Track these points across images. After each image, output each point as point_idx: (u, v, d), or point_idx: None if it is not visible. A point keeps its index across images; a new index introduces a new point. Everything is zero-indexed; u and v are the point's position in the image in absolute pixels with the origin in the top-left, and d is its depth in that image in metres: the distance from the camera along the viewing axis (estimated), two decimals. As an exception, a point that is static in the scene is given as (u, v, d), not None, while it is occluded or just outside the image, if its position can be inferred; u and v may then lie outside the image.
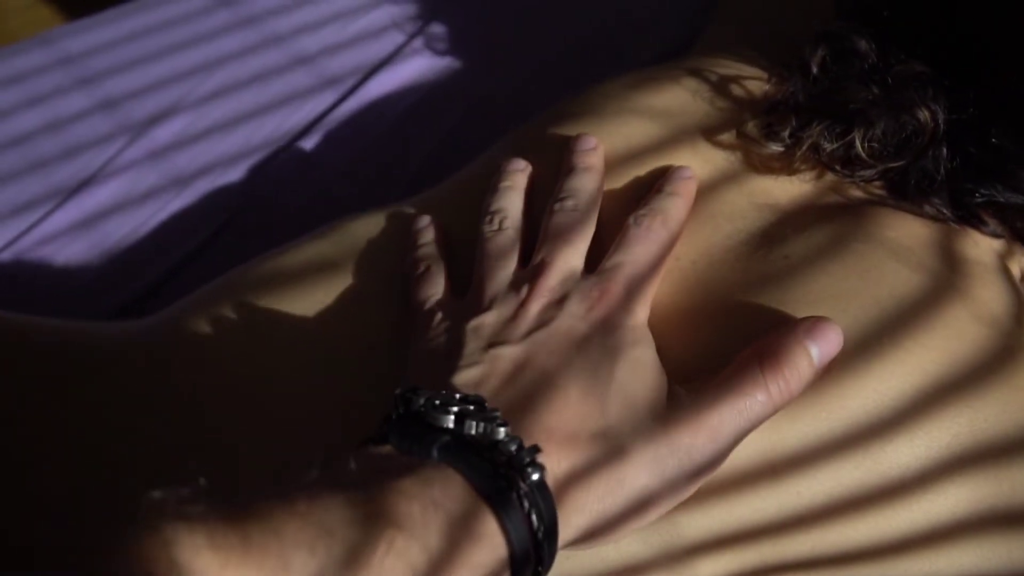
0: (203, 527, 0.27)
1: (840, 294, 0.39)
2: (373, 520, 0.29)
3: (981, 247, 0.43)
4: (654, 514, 0.35)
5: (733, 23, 0.57)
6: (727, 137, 0.46)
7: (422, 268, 0.44)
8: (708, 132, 0.46)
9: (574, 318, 0.38)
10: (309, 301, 0.44)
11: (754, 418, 0.35)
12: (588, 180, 0.43)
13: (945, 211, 0.43)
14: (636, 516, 0.34)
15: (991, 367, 0.39)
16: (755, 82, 0.48)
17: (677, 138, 0.46)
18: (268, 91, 0.69)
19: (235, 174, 0.66)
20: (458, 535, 0.30)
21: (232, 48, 0.72)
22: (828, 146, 0.43)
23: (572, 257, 0.41)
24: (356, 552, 0.29)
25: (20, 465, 0.42)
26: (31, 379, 0.44)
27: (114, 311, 0.61)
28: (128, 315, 0.60)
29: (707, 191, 0.44)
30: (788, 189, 0.44)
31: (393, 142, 0.67)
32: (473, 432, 0.32)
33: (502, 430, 0.32)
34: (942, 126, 0.42)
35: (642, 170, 0.45)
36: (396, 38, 0.72)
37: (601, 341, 0.37)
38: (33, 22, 1.31)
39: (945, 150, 0.43)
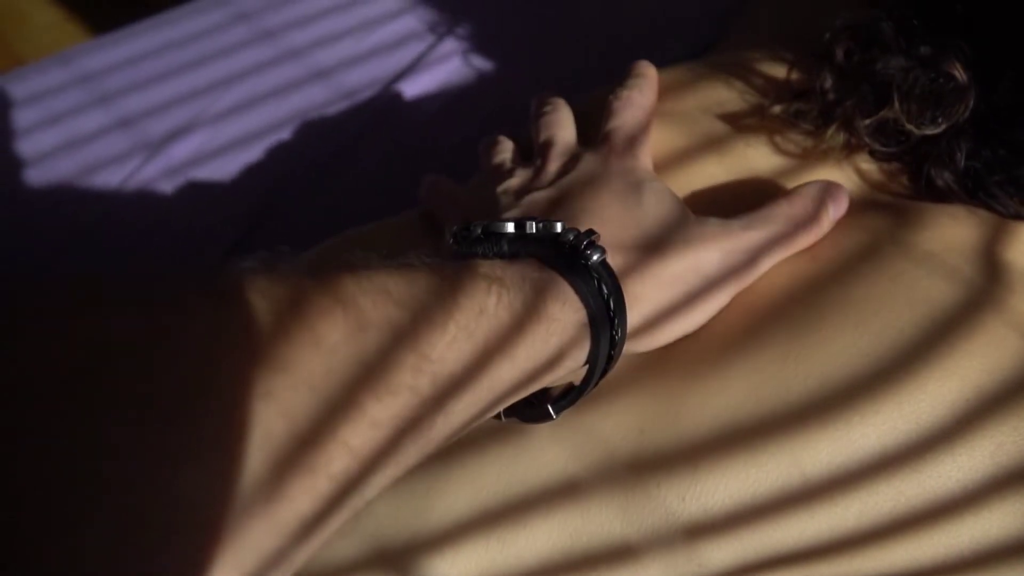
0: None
1: (871, 297, 0.38)
2: (473, 274, 0.32)
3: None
4: (699, 312, 0.38)
5: (759, 21, 0.57)
6: (752, 122, 0.45)
7: (435, 184, 0.48)
8: (731, 120, 0.45)
9: (592, 164, 0.41)
10: None
11: (783, 245, 0.39)
12: (558, 99, 0.48)
13: (954, 186, 0.42)
14: (685, 311, 0.38)
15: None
16: (781, 71, 0.47)
17: (697, 141, 0.45)
18: (285, 106, 0.69)
19: (252, 189, 0.65)
20: (544, 297, 0.33)
21: (249, 63, 0.71)
22: (861, 121, 0.43)
23: (570, 135, 0.45)
24: (460, 289, 0.31)
25: None
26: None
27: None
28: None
29: (735, 195, 0.43)
30: None
31: (411, 154, 0.66)
32: (534, 230, 0.35)
33: (559, 224, 0.36)
34: (974, 91, 0.41)
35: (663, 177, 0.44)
36: (413, 50, 0.71)
37: (622, 179, 0.40)
38: (59, 41, 1.32)
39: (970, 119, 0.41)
